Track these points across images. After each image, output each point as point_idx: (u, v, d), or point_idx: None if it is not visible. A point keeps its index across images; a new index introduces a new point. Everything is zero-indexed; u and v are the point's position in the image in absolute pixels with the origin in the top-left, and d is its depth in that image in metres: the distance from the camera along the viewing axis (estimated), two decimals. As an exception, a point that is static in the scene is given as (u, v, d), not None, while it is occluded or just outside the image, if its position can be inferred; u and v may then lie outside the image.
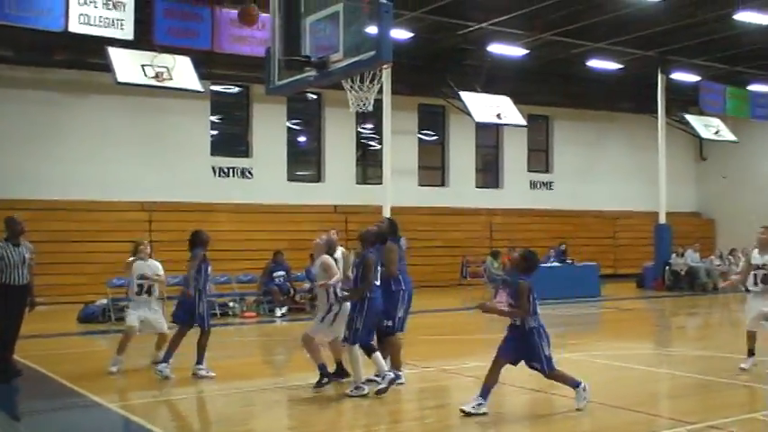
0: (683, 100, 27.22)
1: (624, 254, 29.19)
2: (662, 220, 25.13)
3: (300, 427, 7.95)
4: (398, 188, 21.90)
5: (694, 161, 33.05)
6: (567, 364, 11.36)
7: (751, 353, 9.84)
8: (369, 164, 25.86)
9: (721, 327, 17.87)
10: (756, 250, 10.03)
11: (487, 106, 22.27)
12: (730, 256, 25.50)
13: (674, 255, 24.94)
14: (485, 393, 7.75)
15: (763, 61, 25.18)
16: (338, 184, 24.66)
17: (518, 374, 10.83)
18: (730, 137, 27.08)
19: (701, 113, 26.73)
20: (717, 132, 26.89)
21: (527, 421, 8.21)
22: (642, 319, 19.25)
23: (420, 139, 26.86)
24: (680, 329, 16.08)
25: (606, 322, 18.01)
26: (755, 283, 9.92)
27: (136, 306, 10.96)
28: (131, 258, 11.15)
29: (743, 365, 9.76)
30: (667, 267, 24.70)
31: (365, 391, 8.63)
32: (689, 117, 26.81)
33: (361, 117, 24.32)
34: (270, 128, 23.94)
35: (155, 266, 11.02)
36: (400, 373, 9.24)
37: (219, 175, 23.10)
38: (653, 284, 24.67)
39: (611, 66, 24.92)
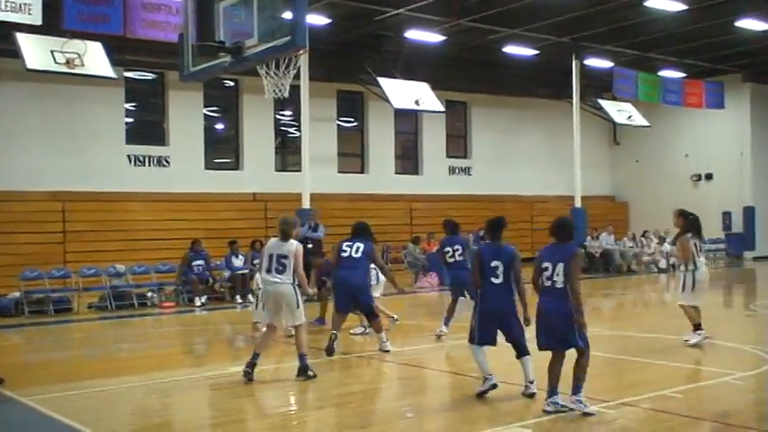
0: (597, 86, 27.84)
1: (542, 237, 29.58)
2: (577, 203, 25.69)
3: (220, 417, 7.88)
4: (318, 175, 21.81)
5: (608, 146, 33.91)
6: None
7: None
8: (288, 151, 25.67)
9: (635, 307, 18.42)
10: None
11: (406, 92, 22.34)
12: (642, 238, 26.30)
13: (589, 237, 25.55)
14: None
15: (673, 47, 25.92)
16: (257, 172, 24.43)
17: (434, 357, 10.97)
18: (642, 122, 27.85)
19: (615, 99, 27.39)
20: (630, 117, 27.62)
21: (446, 405, 8.29)
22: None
23: (339, 125, 26.80)
24: (595, 310, 16.46)
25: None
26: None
27: None
28: None
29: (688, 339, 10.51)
30: (583, 250, 25.29)
31: None
32: (603, 102, 27.44)
33: (280, 104, 24.13)
34: (186, 115, 23.51)
35: None
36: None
37: (135, 164, 22.59)
38: (569, 267, 25.20)
39: (527, 52, 25.29)
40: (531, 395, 7.72)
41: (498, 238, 7.97)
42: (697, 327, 10.42)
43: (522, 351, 7.86)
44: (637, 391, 8.14)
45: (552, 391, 7.26)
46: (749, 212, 29.85)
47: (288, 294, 9.00)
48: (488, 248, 8.05)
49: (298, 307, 9.07)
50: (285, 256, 8.99)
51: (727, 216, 30.18)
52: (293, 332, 10.05)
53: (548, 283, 7.27)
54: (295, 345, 9.24)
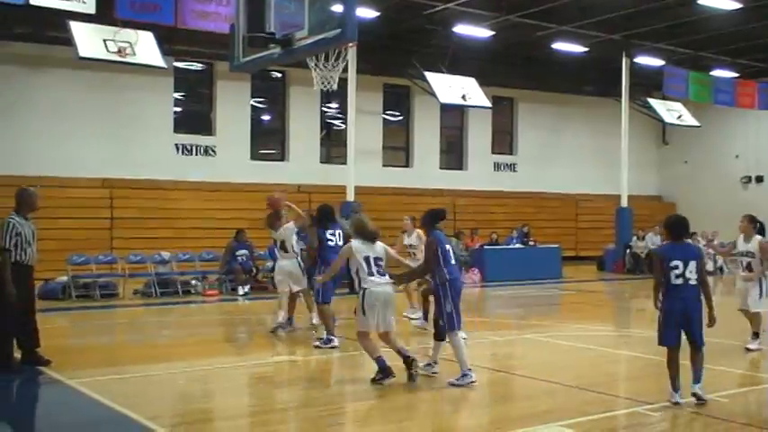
0: (647, 84, 27.41)
1: (586, 236, 29.45)
2: (624, 203, 25.38)
3: (261, 405, 7.94)
4: (362, 168, 21.85)
5: (656, 145, 33.40)
6: (528, 344, 11.53)
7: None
8: (333, 143, 25.75)
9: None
10: (741, 237, 10.53)
11: (452, 87, 22.23)
12: (689, 240, 25.88)
13: (634, 238, 25.23)
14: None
15: (726, 47, 25.45)
16: (302, 164, 24.53)
17: (479, 353, 10.93)
18: (693, 122, 27.36)
19: (664, 98, 26.95)
20: (679, 117, 27.15)
21: (486, 402, 8.26)
22: (602, 301, 19.50)
23: (384, 119, 26.78)
24: (639, 312, 16.26)
25: (567, 304, 18.19)
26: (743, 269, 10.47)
27: None
28: None
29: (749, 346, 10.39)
30: (628, 250, 24.99)
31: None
32: (652, 101, 27.02)
33: (326, 96, 24.18)
34: (234, 106, 23.71)
35: None
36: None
37: (182, 153, 22.85)
38: (614, 267, 24.96)
39: (576, 49, 25.00)
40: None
41: (680, 238, 7.58)
42: (757, 334, 10.34)
43: None
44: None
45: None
46: (800, 216, 29.18)
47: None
48: (672, 248, 7.59)
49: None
50: (380, 258, 8.57)
51: (776, 219, 29.56)
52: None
53: (679, 281, 7.28)
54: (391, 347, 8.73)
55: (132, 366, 9.39)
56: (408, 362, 8.49)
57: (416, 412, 7.67)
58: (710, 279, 22.07)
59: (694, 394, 7.42)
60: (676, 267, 7.29)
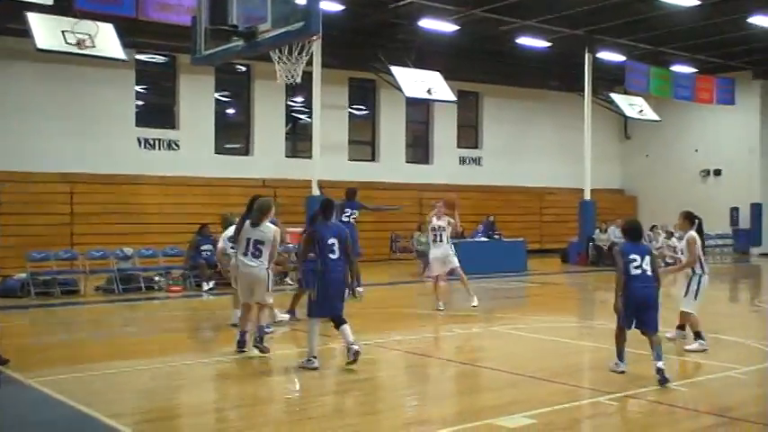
0: (609, 79, 27.70)
1: (550, 229, 29.71)
2: (587, 196, 25.63)
3: (225, 402, 7.89)
4: (328, 162, 21.80)
5: (619, 140, 33.78)
6: (493, 337, 11.59)
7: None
8: (298, 137, 25.64)
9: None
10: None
11: (418, 81, 22.26)
12: (650, 232, 26.18)
13: (597, 231, 25.46)
14: None
15: (685, 43, 25.78)
16: (267, 158, 24.41)
17: (445, 346, 10.97)
18: (653, 116, 27.75)
19: (626, 93, 27.30)
20: (641, 112, 27.51)
21: (451, 394, 8.30)
22: (566, 293, 19.66)
23: (350, 113, 26.75)
24: (602, 303, 16.42)
25: (532, 296, 18.32)
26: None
27: None
28: None
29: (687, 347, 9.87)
30: (591, 243, 25.23)
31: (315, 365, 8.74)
32: (614, 96, 27.34)
33: (291, 90, 24.08)
34: (197, 99, 23.51)
35: None
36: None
37: (145, 147, 22.60)
38: (577, 259, 25.19)
39: (540, 44, 25.16)
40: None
41: (635, 240, 8.73)
42: (698, 334, 9.84)
43: None
44: (642, 383, 8.11)
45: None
46: (756, 209, 29.81)
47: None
48: (630, 245, 8.65)
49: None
50: (261, 242, 9.46)
51: (734, 212, 30.12)
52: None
53: (638, 271, 8.33)
54: (251, 321, 9.67)
55: (94, 364, 9.26)
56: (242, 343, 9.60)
57: (383, 404, 7.68)
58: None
59: (658, 370, 8.00)
60: (635, 260, 8.39)
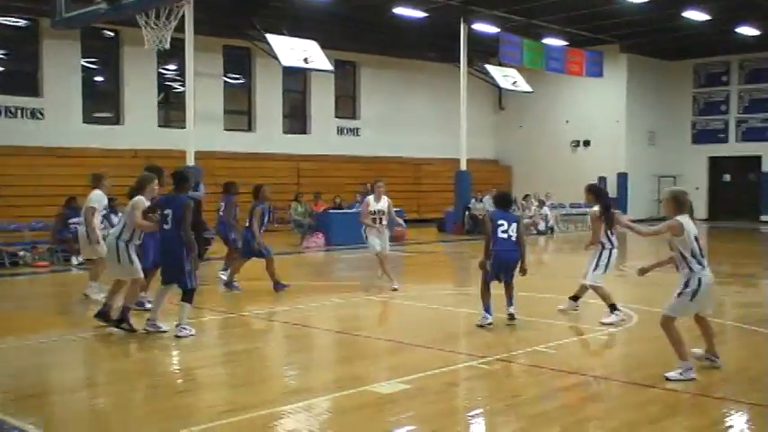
0: (484, 51, 28.15)
1: (427, 199, 30.13)
2: (462, 166, 26.09)
3: (98, 377, 7.64)
4: (203, 132, 21.29)
5: (493, 111, 34.50)
6: (371, 306, 11.68)
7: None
8: (172, 107, 24.92)
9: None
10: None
11: (294, 50, 21.98)
12: (523, 201, 26.99)
13: (473, 200, 26.02)
14: None
15: (556, 15, 26.46)
16: (139, 128, 23.62)
17: (324, 315, 10.99)
18: (526, 87, 28.47)
19: (501, 64, 27.86)
20: (514, 83, 28.17)
21: (329, 362, 8.31)
22: (443, 261, 20.02)
23: (225, 81, 26.20)
24: (478, 271, 16.80)
25: (409, 266, 18.53)
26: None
27: None
28: None
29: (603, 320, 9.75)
30: (467, 212, 25.77)
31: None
32: (489, 68, 27.86)
33: (164, 58, 23.32)
34: (62, 66, 22.43)
35: None
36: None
37: (6, 116, 21.45)
38: (454, 228, 25.68)
39: (416, 14, 25.26)
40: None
41: (504, 207, 9.79)
42: (613, 306, 9.76)
43: None
44: (513, 347, 8.37)
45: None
46: (623, 178, 31.12)
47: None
48: (499, 212, 9.65)
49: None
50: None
51: (602, 181, 31.22)
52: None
53: (504, 236, 9.35)
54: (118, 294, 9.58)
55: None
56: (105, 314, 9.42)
57: (262, 374, 7.63)
58: (542, 238, 23.14)
59: (510, 315, 9.46)
60: (502, 225, 9.37)
